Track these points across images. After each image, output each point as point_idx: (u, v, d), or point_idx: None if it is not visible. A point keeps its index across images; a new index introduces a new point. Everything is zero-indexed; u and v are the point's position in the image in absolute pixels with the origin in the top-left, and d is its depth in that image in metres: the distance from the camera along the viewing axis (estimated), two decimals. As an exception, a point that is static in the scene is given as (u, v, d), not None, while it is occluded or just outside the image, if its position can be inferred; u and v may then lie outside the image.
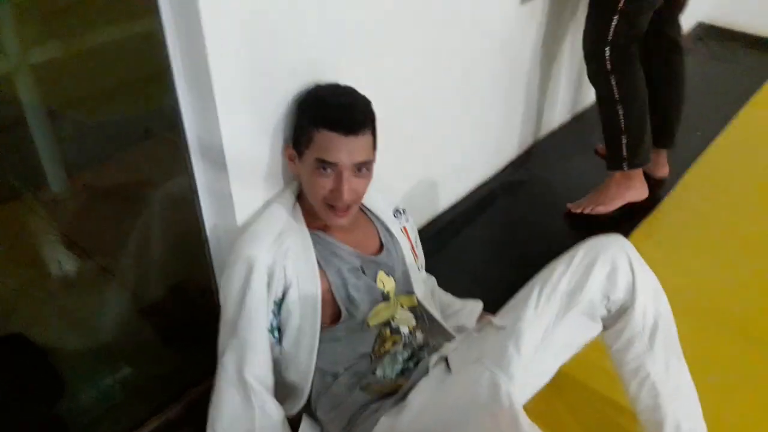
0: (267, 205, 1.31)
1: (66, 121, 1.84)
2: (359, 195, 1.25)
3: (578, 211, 2.09)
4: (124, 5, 1.71)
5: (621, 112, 1.95)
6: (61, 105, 1.83)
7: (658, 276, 1.22)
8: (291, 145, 1.28)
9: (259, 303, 1.18)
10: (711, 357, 1.56)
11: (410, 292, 1.39)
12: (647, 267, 1.21)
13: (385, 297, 1.32)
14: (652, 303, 1.20)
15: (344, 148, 1.18)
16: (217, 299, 1.25)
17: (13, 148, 1.73)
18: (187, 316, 1.43)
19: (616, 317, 1.21)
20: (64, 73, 1.80)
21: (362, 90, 1.28)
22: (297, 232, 1.25)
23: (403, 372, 1.26)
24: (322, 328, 1.24)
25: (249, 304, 1.17)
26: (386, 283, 1.34)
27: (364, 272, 1.30)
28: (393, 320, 1.31)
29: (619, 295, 1.18)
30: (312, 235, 1.27)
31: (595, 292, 1.17)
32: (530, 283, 1.21)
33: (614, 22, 1.85)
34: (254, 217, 1.30)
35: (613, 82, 1.92)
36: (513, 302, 1.23)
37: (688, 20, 3.31)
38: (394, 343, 1.28)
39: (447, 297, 1.61)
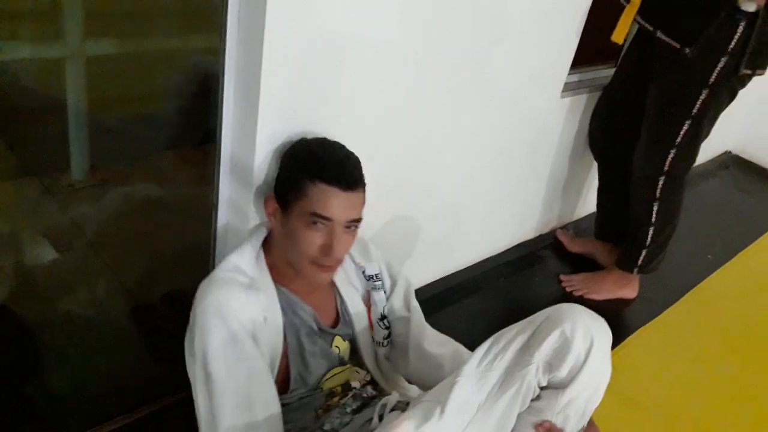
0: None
1: (102, 116, 1.88)
2: (345, 253, 1.21)
3: (568, 288, 2.13)
4: (193, 19, 1.77)
5: (650, 232, 2.00)
6: (103, 100, 1.87)
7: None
8: (274, 196, 1.21)
9: (256, 359, 1.11)
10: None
11: (361, 363, 1.33)
12: (607, 358, 1.10)
13: (341, 361, 1.28)
14: (584, 399, 1.09)
15: (341, 205, 1.14)
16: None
17: (47, 128, 1.76)
18: (175, 323, 1.43)
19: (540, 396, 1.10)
20: (114, 71, 1.86)
21: (391, 151, 1.31)
22: (264, 282, 1.19)
23: (351, 422, 1.18)
24: None
25: (246, 361, 1.10)
26: (342, 347, 1.30)
27: (320, 337, 1.26)
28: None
29: (562, 374, 1.07)
30: (276, 289, 1.21)
31: (541, 360, 1.07)
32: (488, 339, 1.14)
33: (671, 155, 1.87)
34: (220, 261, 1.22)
35: (655, 209, 1.96)
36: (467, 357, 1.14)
37: (716, 147, 3.41)
38: (344, 396, 1.24)
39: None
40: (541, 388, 1.09)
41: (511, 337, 1.10)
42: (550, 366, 1.06)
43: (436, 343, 1.36)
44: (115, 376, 1.54)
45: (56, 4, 1.62)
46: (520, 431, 1.08)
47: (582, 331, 1.06)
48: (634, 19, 1.82)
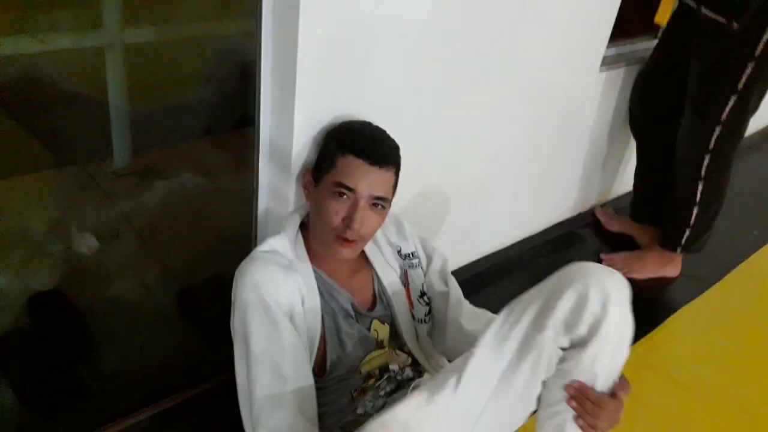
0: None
1: (143, 103, 1.91)
2: (370, 231, 1.21)
3: (610, 267, 2.09)
4: (227, 3, 1.78)
5: (695, 212, 1.96)
6: (142, 87, 1.90)
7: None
8: (311, 170, 1.26)
9: (291, 335, 1.13)
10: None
11: (402, 344, 1.34)
12: (627, 310, 1.06)
13: (380, 345, 1.29)
14: (609, 353, 1.05)
15: (366, 177, 1.16)
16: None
17: (89, 117, 1.80)
18: (218, 307, 1.46)
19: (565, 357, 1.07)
20: (152, 58, 1.88)
21: (421, 129, 1.30)
22: (302, 266, 1.21)
23: (384, 406, 1.18)
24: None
25: (284, 341, 1.12)
26: (380, 331, 1.30)
27: (357, 321, 1.27)
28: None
29: (582, 331, 1.03)
30: (313, 271, 1.23)
31: (558, 323, 1.04)
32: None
33: (716, 132, 1.82)
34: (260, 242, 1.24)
35: (700, 188, 1.91)
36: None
37: (762, 120, 3.30)
38: (380, 378, 1.24)
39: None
40: (564, 350, 1.06)
41: (526, 305, 1.08)
42: (569, 326, 1.03)
43: (473, 317, 1.36)
44: (161, 358, 1.58)
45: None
46: (551, 396, 1.07)
47: (596, 286, 1.03)
48: None
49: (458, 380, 1.04)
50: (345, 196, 1.16)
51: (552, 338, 1.04)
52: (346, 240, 1.18)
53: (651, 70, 2.05)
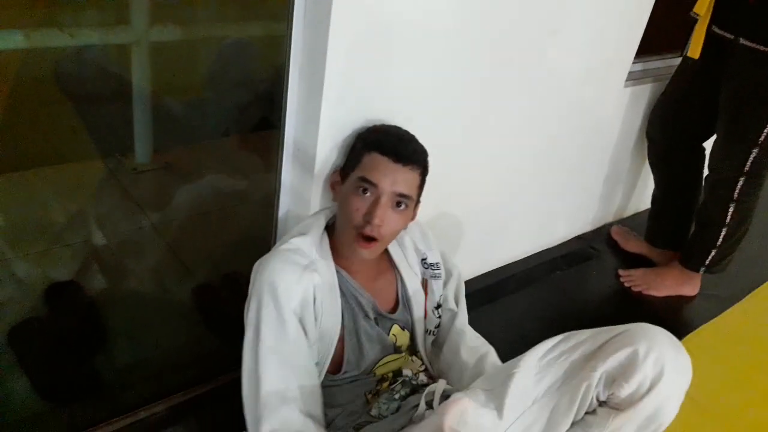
0: (299, 225, 1.27)
1: (165, 101, 1.92)
2: (390, 230, 1.21)
3: (627, 283, 2.10)
4: (258, 7, 1.80)
5: (723, 233, 1.95)
6: (165, 85, 1.91)
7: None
8: (339, 170, 1.28)
9: (299, 339, 1.15)
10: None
11: (416, 351, 1.34)
12: (677, 399, 1.03)
13: (397, 350, 1.29)
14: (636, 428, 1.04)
15: (389, 174, 1.17)
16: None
17: (112, 113, 1.81)
18: (234, 304, 1.47)
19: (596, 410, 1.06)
20: (178, 57, 1.89)
21: (444, 138, 1.32)
22: (325, 265, 1.21)
23: (399, 409, 1.19)
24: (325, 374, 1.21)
25: (291, 334, 1.13)
26: (399, 337, 1.30)
27: (377, 323, 1.27)
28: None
29: (621, 395, 1.01)
30: (337, 271, 1.23)
31: (606, 372, 1.02)
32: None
33: (753, 154, 1.82)
34: (284, 236, 1.25)
35: (731, 210, 1.91)
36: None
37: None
38: (394, 382, 1.24)
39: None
40: (599, 403, 1.06)
41: (582, 340, 1.07)
42: (613, 381, 1.02)
43: (471, 349, 1.36)
44: (175, 353, 1.59)
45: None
46: None
47: (655, 357, 1.00)
48: (711, 30, 1.80)
49: (501, 404, 1.04)
50: (368, 192, 1.18)
51: (596, 383, 1.03)
52: (366, 238, 1.19)
53: (674, 96, 2.04)
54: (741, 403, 1.74)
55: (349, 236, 1.20)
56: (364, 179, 1.18)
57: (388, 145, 1.20)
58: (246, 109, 1.89)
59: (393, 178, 1.18)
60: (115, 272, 1.64)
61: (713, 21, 1.80)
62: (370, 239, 1.19)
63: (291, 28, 1.20)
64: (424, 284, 1.37)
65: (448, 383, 1.23)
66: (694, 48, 1.82)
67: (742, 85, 1.80)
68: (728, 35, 1.78)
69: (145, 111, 1.86)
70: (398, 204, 1.20)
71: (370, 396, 1.22)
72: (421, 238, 1.40)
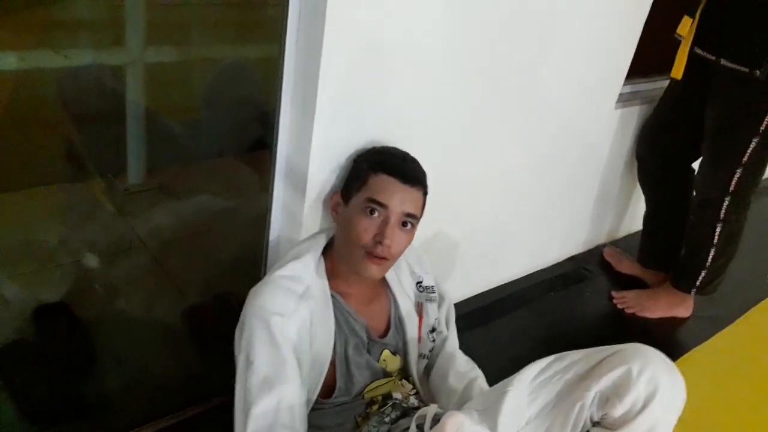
0: (296, 248, 1.26)
1: (158, 122, 1.93)
2: (399, 250, 1.22)
3: (620, 305, 2.09)
4: (250, 30, 1.81)
5: (711, 253, 1.95)
6: (159, 106, 1.92)
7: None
8: (340, 192, 1.28)
9: (292, 368, 1.14)
10: None
11: (408, 375, 1.34)
12: (671, 419, 1.03)
13: (387, 374, 1.29)
14: None
15: (398, 194, 1.19)
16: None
17: (105, 133, 1.81)
18: (225, 326, 1.46)
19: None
20: (171, 78, 1.90)
21: (435, 159, 1.33)
22: (320, 291, 1.22)
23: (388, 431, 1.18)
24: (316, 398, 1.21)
25: (284, 354, 1.13)
26: (390, 362, 1.30)
27: (369, 351, 1.27)
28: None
29: (615, 414, 1.02)
30: (332, 296, 1.23)
31: (599, 392, 1.03)
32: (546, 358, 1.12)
33: (737, 174, 1.83)
34: (281, 260, 1.25)
35: (718, 230, 1.91)
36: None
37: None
38: (384, 405, 1.23)
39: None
40: (593, 424, 1.05)
41: (576, 360, 1.07)
42: (606, 401, 1.02)
43: (460, 374, 1.35)
44: (165, 375, 1.57)
45: (120, 14, 1.67)
46: None
47: (649, 376, 1.00)
48: (693, 52, 1.83)
49: (495, 423, 1.04)
50: (376, 213, 1.19)
51: (590, 402, 1.03)
52: (376, 257, 1.19)
53: (661, 116, 2.07)
54: (732, 425, 1.73)
55: (356, 256, 1.21)
56: (372, 200, 1.18)
57: (394, 166, 1.22)
58: (241, 131, 1.90)
59: (401, 198, 1.19)
60: (104, 293, 1.63)
61: (695, 42, 1.82)
62: (381, 258, 1.20)
63: (284, 50, 1.21)
64: (419, 307, 1.37)
65: (439, 407, 1.22)
66: (677, 69, 1.84)
67: (724, 105, 1.82)
68: (710, 56, 1.80)
69: (139, 131, 1.86)
70: (404, 224, 1.21)
71: (360, 419, 1.21)
72: (417, 262, 1.40)
